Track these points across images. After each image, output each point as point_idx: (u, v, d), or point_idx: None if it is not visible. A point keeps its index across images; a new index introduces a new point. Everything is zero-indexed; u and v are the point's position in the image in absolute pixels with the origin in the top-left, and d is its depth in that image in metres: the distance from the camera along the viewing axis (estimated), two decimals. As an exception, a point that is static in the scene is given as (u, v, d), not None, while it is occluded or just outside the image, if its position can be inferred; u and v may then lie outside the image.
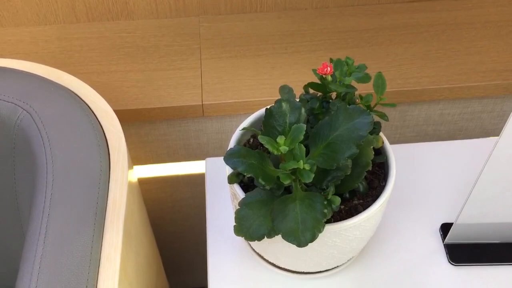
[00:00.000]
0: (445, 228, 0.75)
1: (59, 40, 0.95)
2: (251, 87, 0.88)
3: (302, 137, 0.50)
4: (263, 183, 0.52)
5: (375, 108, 0.63)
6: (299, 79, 0.89)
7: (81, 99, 0.69)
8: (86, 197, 0.58)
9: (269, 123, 0.55)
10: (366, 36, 0.96)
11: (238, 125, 0.93)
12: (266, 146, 0.49)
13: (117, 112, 0.85)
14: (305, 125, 0.50)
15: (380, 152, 0.65)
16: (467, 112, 0.95)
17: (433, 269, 0.71)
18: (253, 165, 0.52)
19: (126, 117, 0.87)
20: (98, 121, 0.67)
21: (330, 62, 0.56)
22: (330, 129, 0.53)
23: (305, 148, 0.51)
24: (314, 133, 0.54)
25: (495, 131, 0.99)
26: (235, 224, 0.57)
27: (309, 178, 0.50)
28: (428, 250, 0.73)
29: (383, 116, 0.63)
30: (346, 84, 0.55)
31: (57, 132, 0.63)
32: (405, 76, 0.89)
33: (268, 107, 0.67)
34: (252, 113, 0.92)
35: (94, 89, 0.88)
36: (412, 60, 0.92)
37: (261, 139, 0.50)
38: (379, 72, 0.63)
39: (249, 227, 0.56)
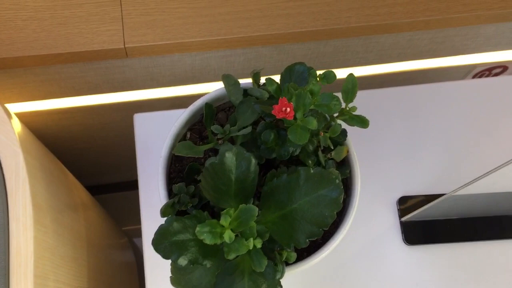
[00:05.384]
0: (404, 202, 0.69)
1: None
2: (186, 21, 0.70)
3: (253, 221, 0.39)
4: (204, 263, 0.42)
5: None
6: (246, 9, 0.71)
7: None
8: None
9: (210, 180, 0.42)
10: None
11: (172, 62, 0.77)
12: (206, 241, 0.38)
13: (13, 59, 0.67)
14: (256, 209, 0.39)
15: (344, 162, 0.54)
16: (439, 36, 0.82)
17: (388, 251, 0.67)
18: (191, 243, 0.41)
19: (25, 63, 0.68)
20: (-16, 126, 0.51)
21: (290, 97, 0.42)
22: (288, 196, 0.41)
23: (255, 225, 0.41)
24: (267, 192, 0.43)
25: (466, 51, 0.88)
26: (171, 275, 0.48)
27: (261, 267, 0.40)
28: (383, 228, 0.68)
29: (350, 121, 0.51)
30: (309, 129, 0.42)
31: None
32: (375, 4, 0.73)
33: (207, 104, 0.52)
34: (189, 53, 0.76)
35: (-22, 23, 0.68)
36: (385, -21, 0.74)
37: (199, 232, 0.38)
38: (351, 74, 0.49)
39: (188, 280, 0.47)
